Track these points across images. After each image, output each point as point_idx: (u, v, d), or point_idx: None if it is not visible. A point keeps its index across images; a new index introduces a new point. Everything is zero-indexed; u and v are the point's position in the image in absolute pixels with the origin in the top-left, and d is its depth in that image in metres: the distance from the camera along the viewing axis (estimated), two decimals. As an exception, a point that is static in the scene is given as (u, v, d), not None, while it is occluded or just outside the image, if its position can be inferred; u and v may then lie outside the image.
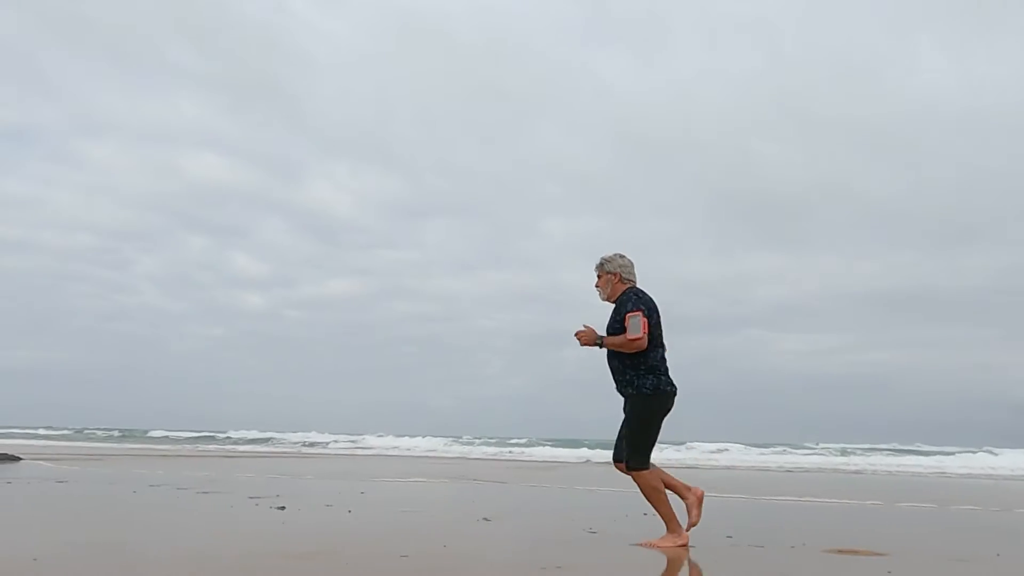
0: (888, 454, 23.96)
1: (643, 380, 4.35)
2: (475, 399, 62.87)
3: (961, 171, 53.99)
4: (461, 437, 35.06)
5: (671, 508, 4.35)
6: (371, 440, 32.44)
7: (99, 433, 46.88)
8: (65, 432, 47.30)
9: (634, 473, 4.35)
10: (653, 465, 4.40)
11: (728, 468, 17.58)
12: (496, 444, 31.33)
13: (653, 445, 4.40)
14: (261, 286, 68.19)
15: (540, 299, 55.50)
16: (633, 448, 4.36)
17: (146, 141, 63.87)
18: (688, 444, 25.34)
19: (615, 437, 4.54)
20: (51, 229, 64.84)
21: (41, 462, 13.05)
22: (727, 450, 24.40)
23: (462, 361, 65.04)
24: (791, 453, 23.94)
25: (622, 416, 4.51)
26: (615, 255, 4.62)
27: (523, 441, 32.71)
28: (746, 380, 57.04)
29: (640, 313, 4.32)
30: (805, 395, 56.40)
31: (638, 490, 4.39)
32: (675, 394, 4.44)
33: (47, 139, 64.25)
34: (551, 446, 28.73)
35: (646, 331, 4.30)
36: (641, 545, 4.33)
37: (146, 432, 46.74)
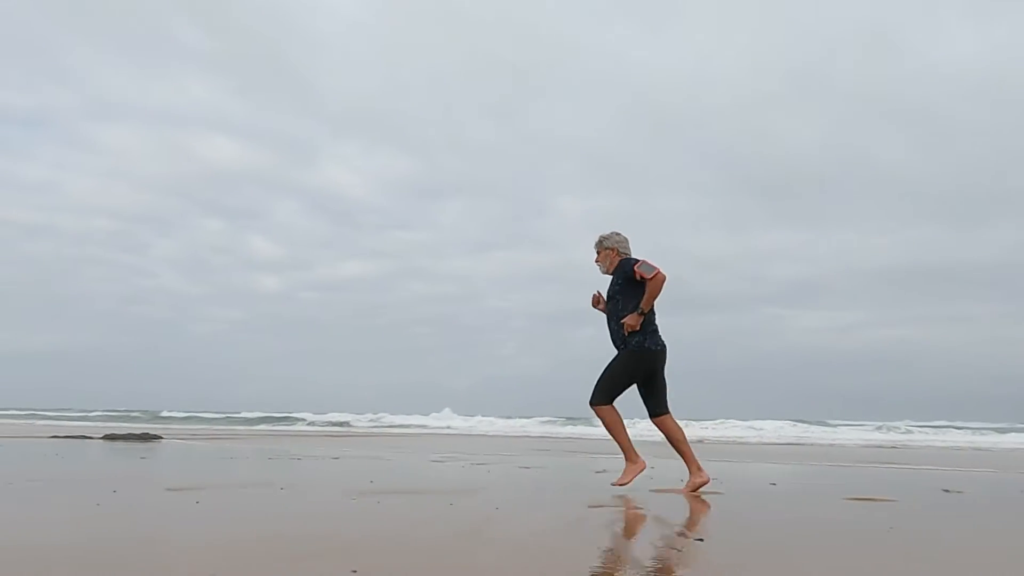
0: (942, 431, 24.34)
1: (631, 336, 4.96)
2: (491, 379, 63.78)
3: (982, 143, 52.73)
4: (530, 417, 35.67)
5: (629, 440, 5.03)
6: (452, 420, 33.06)
7: (135, 414, 47.10)
8: (98, 414, 47.60)
9: (595, 408, 5.00)
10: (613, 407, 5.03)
11: (795, 443, 18.54)
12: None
13: (619, 391, 5.01)
14: (277, 268, 68.60)
15: (555, 278, 55.97)
16: (600, 386, 4.99)
17: (158, 124, 63.62)
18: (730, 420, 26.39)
19: (635, 414, 5.23)
20: (68, 213, 64.85)
21: (180, 440, 13.72)
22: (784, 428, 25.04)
23: (477, 342, 65.89)
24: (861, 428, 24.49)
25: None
26: (612, 232, 5.21)
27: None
28: (763, 358, 57.75)
29: (643, 260, 4.92)
30: (822, 372, 56.56)
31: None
32: (664, 351, 5.01)
33: (61, 124, 63.98)
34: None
35: (658, 268, 4.85)
36: (615, 485, 5.05)
37: (159, 412, 47.20)
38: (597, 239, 5.26)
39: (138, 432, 14.22)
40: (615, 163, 63.92)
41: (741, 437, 22.17)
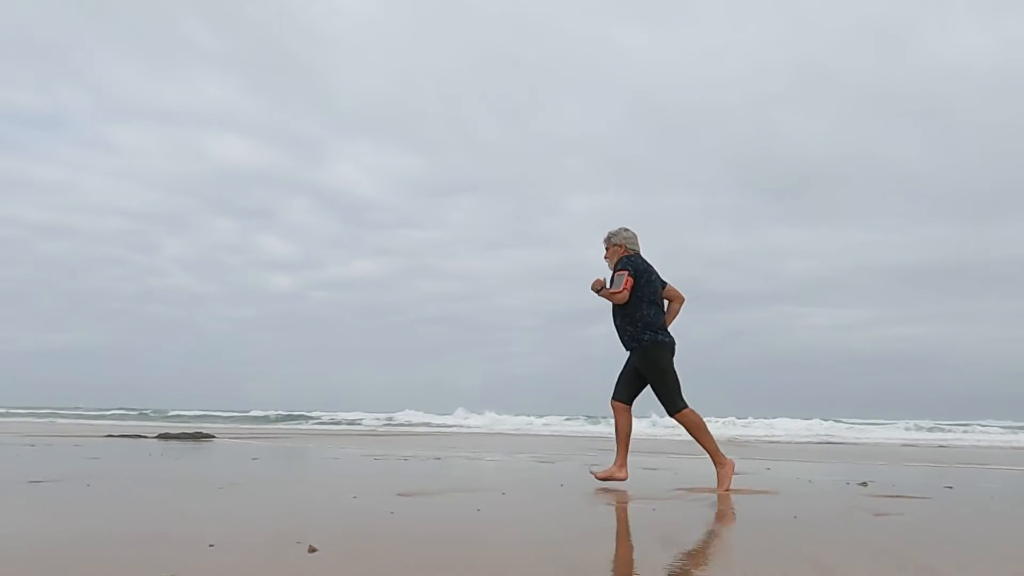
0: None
1: (641, 335, 5.01)
2: (501, 377, 63.84)
3: (995, 139, 52.06)
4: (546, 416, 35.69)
5: (715, 442, 5.02)
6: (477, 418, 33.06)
7: (150, 413, 47.10)
8: (117, 412, 47.59)
9: (677, 416, 5.00)
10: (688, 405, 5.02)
11: (877, 443, 18.61)
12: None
13: (679, 386, 5.02)
14: (288, 267, 68.76)
15: (564, 277, 55.96)
16: (665, 397, 5.00)
17: (170, 124, 63.84)
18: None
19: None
20: (83, 213, 65.14)
21: (234, 440, 13.77)
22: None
23: (487, 340, 66.00)
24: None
25: (629, 367, 5.18)
26: (620, 229, 5.29)
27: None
28: (774, 356, 57.76)
29: (625, 273, 5.02)
30: (835, 371, 56.13)
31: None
32: (673, 344, 5.08)
33: (75, 124, 64.33)
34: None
35: (627, 287, 4.98)
36: (723, 489, 4.96)
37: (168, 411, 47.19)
38: (606, 235, 5.33)
39: (191, 432, 14.27)
40: (624, 161, 63.97)
41: (770, 436, 22.25)
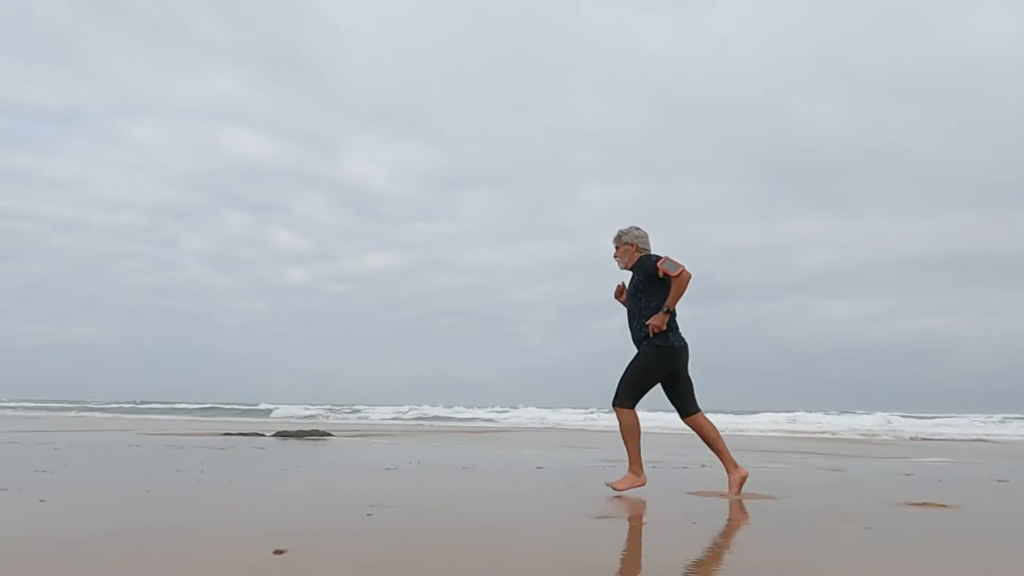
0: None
1: (655, 336, 4.74)
2: (517, 370, 63.64)
3: (1017, 126, 51.55)
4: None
5: (639, 450, 4.78)
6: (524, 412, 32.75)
7: (181, 407, 46.53)
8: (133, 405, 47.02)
9: (618, 409, 4.81)
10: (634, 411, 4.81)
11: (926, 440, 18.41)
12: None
13: (643, 393, 4.81)
14: (303, 261, 68.50)
15: (580, 269, 55.67)
16: (623, 386, 4.79)
17: (183, 119, 63.56)
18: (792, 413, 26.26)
19: (667, 405, 4.98)
20: (99, 208, 64.91)
21: (350, 438, 13.40)
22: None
23: (503, 333, 65.80)
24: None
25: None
26: (631, 227, 5.03)
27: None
28: (792, 348, 57.56)
29: (666, 257, 4.70)
30: (854, 363, 55.89)
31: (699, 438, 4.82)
32: (686, 349, 4.82)
33: (89, 120, 63.92)
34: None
35: (682, 264, 4.66)
36: (609, 485, 4.83)
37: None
38: (616, 234, 5.07)
39: (307, 429, 13.90)
40: (639, 152, 63.71)
41: (830, 431, 22.06)
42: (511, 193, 68.78)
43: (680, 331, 4.83)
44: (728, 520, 3.83)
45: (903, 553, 2.94)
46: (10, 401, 50.67)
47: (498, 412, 33.91)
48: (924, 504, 4.56)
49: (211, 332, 68.98)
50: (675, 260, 4.66)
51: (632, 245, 4.97)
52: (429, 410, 36.93)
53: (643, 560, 2.79)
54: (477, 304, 68.09)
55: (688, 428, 4.91)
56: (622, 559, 2.75)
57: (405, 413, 35.39)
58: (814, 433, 21.00)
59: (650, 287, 4.77)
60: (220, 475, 5.64)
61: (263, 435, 12.81)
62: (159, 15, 57.32)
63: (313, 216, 67.30)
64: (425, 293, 68.31)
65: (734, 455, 4.90)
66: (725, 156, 61.51)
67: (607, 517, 3.80)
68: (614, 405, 4.83)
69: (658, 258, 4.73)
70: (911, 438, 18.45)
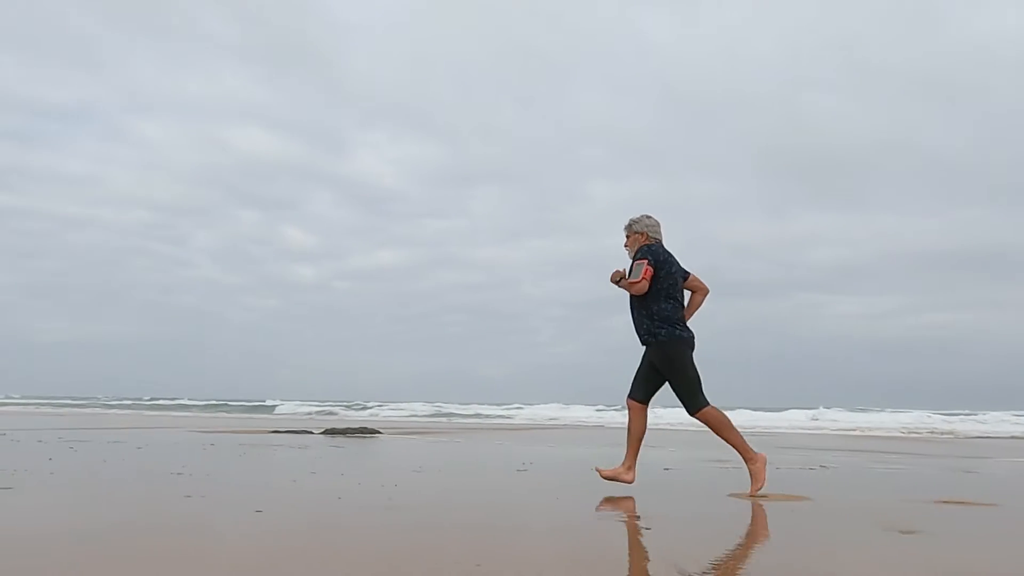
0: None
1: (658, 329, 4.76)
2: (525, 367, 63.74)
3: None
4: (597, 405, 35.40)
5: (742, 438, 4.72)
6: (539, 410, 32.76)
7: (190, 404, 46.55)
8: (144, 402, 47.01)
9: (699, 415, 4.72)
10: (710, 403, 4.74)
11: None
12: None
13: (700, 382, 4.75)
14: (312, 258, 68.61)
15: (588, 265, 55.84)
16: (685, 394, 4.72)
17: (193, 116, 63.60)
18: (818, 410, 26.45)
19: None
20: (110, 206, 64.78)
21: (400, 436, 13.51)
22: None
23: (511, 329, 66.01)
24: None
25: (646, 363, 4.91)
26: (642, 216, 5.06)
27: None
28: (802, 345, 57.43)
29: (645, 262, 4.74)
30: (864, 359, 56.09)
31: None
32: (693, 339, 4.81)
33: (100, 118, 63.70)
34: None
35: (646, 277, 4.71)
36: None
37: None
38: (627, 222, 5.11)
39: (355, 427, 14.02)
40: (646, 146, 63.61)
41: (852, 428, 22.23)
42: (519, 189, 69.04)
43: (685, 323, 4.84)
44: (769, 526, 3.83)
45: (945, 554, 2.96)
46: (20, 398, 50.63)
47: (515, 409, 34.08)
48: (961, 503, 4.64)
49: (221, 329, 69.03)
50: (640, 271, 4.71)
51: (642, 234, 5.01)
52: (443, 407, 37.11)
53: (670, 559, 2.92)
54: (485, 301, 68.39)
55: (695, 422, 4.86)
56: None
57: (419, 410, 35.54)
58: (852, 431, 21.20)
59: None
60: (331, 469, 5.78)
61: (311, 432, 12.93)
62: (168, 13, 57.29)
63: (322, 213, 67.51)
64: (433, 290, 68.56)
65: (752, 446, 4.85)
66: (735, 151, 61.37)
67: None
68: (695, 413, 4.73)
69: (640, 256, 4.79)
70: (944, 433, 18.68)
